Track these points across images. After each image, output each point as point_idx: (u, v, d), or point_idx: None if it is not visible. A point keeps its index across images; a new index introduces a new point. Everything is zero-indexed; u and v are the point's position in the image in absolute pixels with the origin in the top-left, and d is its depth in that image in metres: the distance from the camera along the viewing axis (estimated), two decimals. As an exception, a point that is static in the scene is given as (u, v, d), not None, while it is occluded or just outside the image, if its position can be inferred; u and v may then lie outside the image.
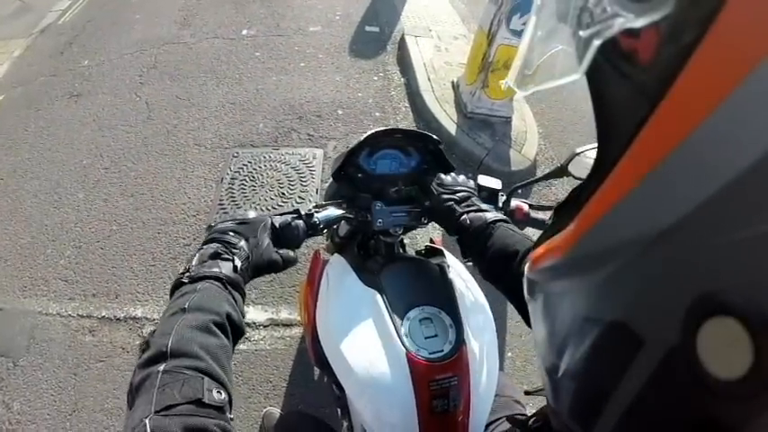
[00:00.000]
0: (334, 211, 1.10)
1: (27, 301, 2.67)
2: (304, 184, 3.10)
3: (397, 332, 0.92)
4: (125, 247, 2.87)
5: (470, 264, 1.10)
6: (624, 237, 0.35)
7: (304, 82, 4.15)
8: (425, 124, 3.81)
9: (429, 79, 4.16)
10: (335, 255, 1.25)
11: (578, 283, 0.41)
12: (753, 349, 0.25)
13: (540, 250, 0.49)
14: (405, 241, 1.37)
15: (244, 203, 2.99)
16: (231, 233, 0.85)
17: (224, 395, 0.60)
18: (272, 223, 0.94)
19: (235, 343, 0.72)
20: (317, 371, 2.23)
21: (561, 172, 1.08)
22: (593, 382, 0.41)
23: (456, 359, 0.91)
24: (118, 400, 2.25)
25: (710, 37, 0.26)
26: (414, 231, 1.43)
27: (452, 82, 4.15)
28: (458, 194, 1.09)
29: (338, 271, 1.14)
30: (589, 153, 1.04)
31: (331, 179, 1.21)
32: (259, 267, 0.88)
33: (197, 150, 3.44)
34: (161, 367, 0.59)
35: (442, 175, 1.16)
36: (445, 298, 1.01)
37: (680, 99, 0.29)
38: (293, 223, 0.98)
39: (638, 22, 0.30)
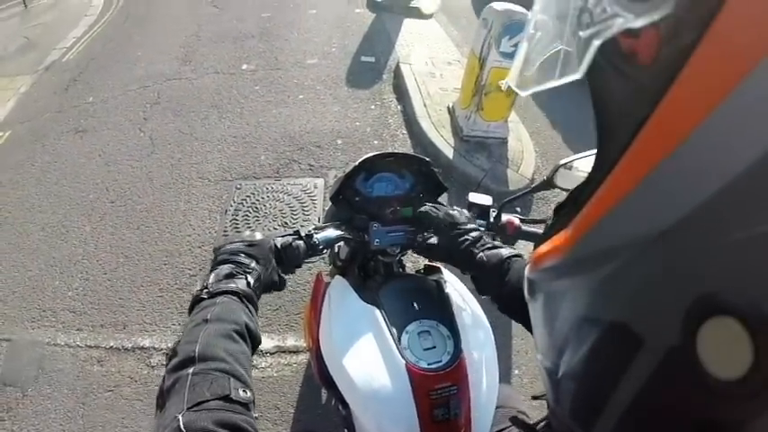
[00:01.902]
0: (332, 232, 1.14)
1: (36, 332, 2.72)
2: (306, 213, 3.19)
3: (396, 345, 0.97)
4: (132, 279, 2.94)
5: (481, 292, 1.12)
6: (624, 237, 0.35)
7: (303, 113, 4.27)
8: (423, 149, 3.91)
9: (425, 105, 4.29)
10: (337, 276, 1.29)
11: (578, 283, 0.42)
12: (752, 349, 0.25)
13: (540, 251, 0.50)
14: (403, 261, 1.42)
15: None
16: (242, 255, 0.91)
17: (249, 394, 0.65)
18: (274, 244, 0.99)
19: (253, 351, 0.78)
20: (324, 394, 2.28)
21: (547, 184, 1.10)
22: (593, 383, 0.42)
23: (454, 369, 0.94)
24: (126, 429, 2.28)
25: (710, 37, 0.27)
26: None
27: (448, 107, 4.27)
28: (471, 234, 1.09)
29: (339, 291, 1.19)
30: (575, 164, 1.06)
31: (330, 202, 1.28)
32: (267, 286, 0.94)
33: (201, 183, 3.54)
34: (190, 370, 0.63)
35: (453, 212, 1.14)
36: (442, 311, 1.06)
37: (679, 99, 0.29)
38: (294, 244, 1.01)
39: (638, 22, 0.31)
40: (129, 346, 2.60)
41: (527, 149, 3.96)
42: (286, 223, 3.11)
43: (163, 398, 0.63)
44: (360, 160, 1.18)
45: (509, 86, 0.51)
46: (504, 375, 2.45)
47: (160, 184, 3.58)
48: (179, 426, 0.54)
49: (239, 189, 3.43)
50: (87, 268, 3.03)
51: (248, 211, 3.23)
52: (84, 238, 3.24)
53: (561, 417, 0.48)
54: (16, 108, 4.93)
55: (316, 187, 3.39)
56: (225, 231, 3.10)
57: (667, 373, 0.32)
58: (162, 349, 2.57)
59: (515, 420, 0.69)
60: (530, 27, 0.48)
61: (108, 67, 5.38)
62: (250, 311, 0.82)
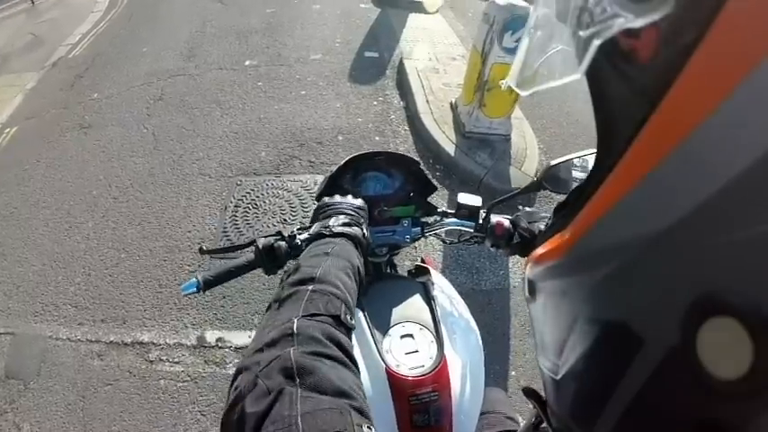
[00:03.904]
0: None
1: (38, 326, 2.77)
2: (306, 210, 3.19)
3: (377, 348, 0.97)
4: (133, 275, 2.97)
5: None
6: (624, 237, 0.35)
7: (305, 109, 4.28)
8: (424, 146, 3.90)
9: (427, 101, 4.26)
10: None
11: (578, 283, 0.42)
12: (752, 349, 0.25)
13: (540, 251, 0.50)
14: (394, 261, 1.42)
15: (247, 231, 3.09)
16: (354, 212, 0.97)
17: (353, 322, 0.69)
18: (257, 245, 0.99)
19: (359, 290, 0.82)
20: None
21: (537, 185, 1.08)
22: (593, 383, 0.42)
23: (436, 374, 0.93)
24: (125, 422, 2.32)
25: (710, 37, 0.26)
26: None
27: (451, 103, 4.24)
28: (546, 222, 1.06)
29: None
30: (565, 165, 1.04)
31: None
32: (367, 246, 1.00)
33: (202, 179, 3.56)
34: (310, 287, 0.68)
35: (527, 209, 1.12)
36: (427, 315, 1.05)
37: (680, 99, 0.29)
38: (276, 245, 0.99)
39: (638, 22, 0.30)
40: (129, 340, 2.64)
41: (531, 146, 3.91)
42: (285, 220, 3.12)
43: (279, 303, 0.68)
44: (346, 159, 1.17)
45: (509, 86, 0.51)
46: (501, 377, 2.46)
47: (162, 180, 3.61)
48: (292, 327, 0.59)
49: (239, 185, 3.44)
50: (89, 263, 3.08)
51: (248, 207, 3.25)
52: (87, 233, 3.28)
53: (561, 417, 0.49)
54: (23, 105, 4.99)
55: (316, 184, 3.39)
56: (224, 228, 3.12)
57: (667, 373, 0.32)
58: (160, 344, 2.60)
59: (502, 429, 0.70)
60: (529, 27, 0.48)
61: (113, 63, 5.42)
62: (362, 256, 0.87)
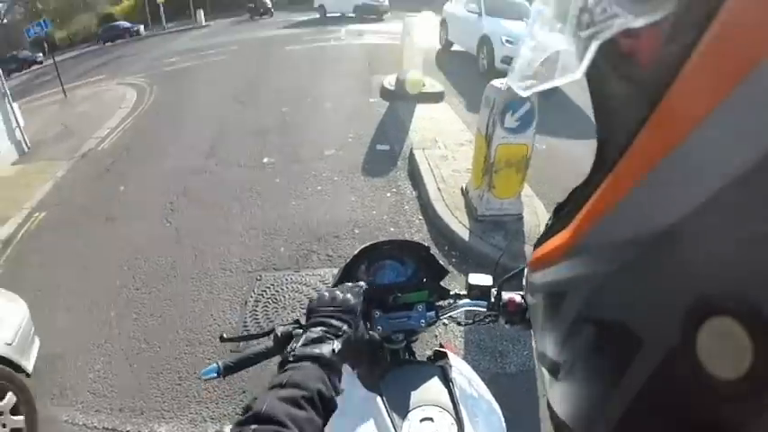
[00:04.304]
0: None
1: (55, 410, 2.77)
2: (324, 304, 3.29)
3: None
4: (152, 365, 3.00)
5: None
6: (624, 237, 0.35)
7: (321, 204, 4.50)
8: (439, 233, 4.02)
9: (439, 189, 4.44)
10: (343, 365, 1.34)
11: (578, 283, 0.42)
12: (752, 349, 0.25)
13: (539, 251, 0.50)
14: (413, 348, 1.43)
15: (267, 325, 3.16)
16: (334, 320, 0.93)
17: None
18: (276, 333, 1.01)
19: (326, 418, 0.80)
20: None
21: None
22: (592, 383, 0.42)
23: None
24: None
25: (710, 37, 0.26)
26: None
27: (462, 188, 4.39)
28: None
29: (343, 380, 1.21)
30: None
31: None
32: (359, 350, 0.98)
33: (222, 274, 3.69)
34: (252, 427, 0.67)
35: None
36: (446, 398, 1.06)
37: (680, 99, 0.29)
38: (294, 332, 1.00)
39: (638, 22, 0.30)
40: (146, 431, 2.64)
41: (543, 223, 3.88)
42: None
43: None
44: (358, 249, 1.19)
45: (509, 87, 0.55)
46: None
47: (183, 273, 3.75)
48: None
49: (259, 280, 3.57)
50: (109, 351, 3.12)
51: (268, 302, 3.36)
52: (109, 321, 3.36)
53: (561, 417, 0.49)
54: (52, 191, 5.27)
55: (334, 277, 3.49)
56: (245, 322, 3.21)
57: (667, 374, 0.32)
58: (178, 439, 2.60)
59: None
60: (529, 27, 0.48)
61: (140, 158, 5.78)
62: (329, 378, 0.85)
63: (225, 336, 1.09)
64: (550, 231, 0.48)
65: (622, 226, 0.35)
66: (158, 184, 5.07)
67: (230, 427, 0.74)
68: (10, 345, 2.64)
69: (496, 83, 3.61)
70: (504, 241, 3.72)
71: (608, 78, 0.37)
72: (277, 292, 3.44)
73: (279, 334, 1.00)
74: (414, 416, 1.00)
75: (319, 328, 0.89)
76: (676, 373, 0.31)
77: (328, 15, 21.23)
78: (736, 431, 0.28)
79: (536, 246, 0.53)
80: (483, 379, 1.23)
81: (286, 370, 0.80)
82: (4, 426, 2.51)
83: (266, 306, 3.32)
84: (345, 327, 0.92)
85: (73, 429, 2.67)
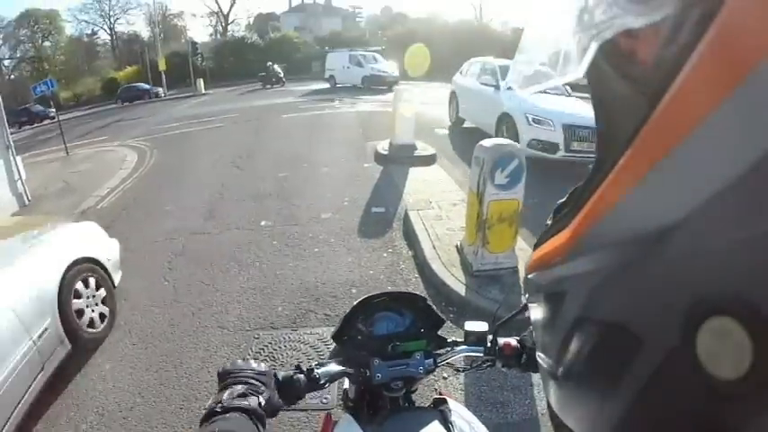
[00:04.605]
0: (334, 367, 1.14)
1: None
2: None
3: None
4: (147, 420, 2.95)
5: None
6: (624, 237, 0.35)
7: (319, 265, 4.58)
8: (436, 291, 4.08)
9: (434, 248, 4.56)
10: (345, 414, 1.32)
11: (578, 283, 0.42)
12: (752, 349, 0.25)
13: (539, 251, 0.50)
14: (412, 397, 1.45)
15: (265, 384, 3.17)
16: (253, 380, 0.97)
17: None
18: (276, 376, 1.04)
19: None
20: None
21: None
22: (593, 383, 0.42)
23: None
24: None
25: (710, 37, 0.26)
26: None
27: (456, 246, 4.51)
28: None
29: (344, 427, 1.21)
30: None
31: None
32: (272, 413, 1.00)
33: (220, 332, 3.71)
34: None
35: None
36: None
37: (680, 99, 0.29)
38: (294, 377, 1.03)
39: (638, 23, 0.30)
40: (141, 491, 2.58)
41: None
42: (302, 373, 3.23)
43: None
44: (357, 301, 1.22)
45: (509, 86, 0.64)
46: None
47: (181, 330, 3.76)
48: None
49: (257, 339, 3.59)
50: (103, 404, 3.07)
51: (266, 360, 3.36)
52: (104, 375, 3.33)
53: (561, 416, 0.49)
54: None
55: (331, 336, 3.55)
56: (242, 381, 3.21)
57: (667, 374, 0.32)
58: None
59: None
60: (529, 27, 0.48)
61: (139, 217, 5.90)
62: (258, 430, 0.85)
63: None
64: (550, 231, 0.49)
65: (622, 226, 0.36)
66: (157, 244, 5.15)
67: None
68: (109, 261, 4.00)
69: (485, 142, 3.80)
70: (500, 294, 3.79)
71: (608, 78, 0.37)
72: (275, 350, 3.46)
73: (279, 378, 1.03)
74: None
75: (240, 386, 0.91)
76: (676, 374, 0.31)
77: (338, 86, 22.36)
78: (736, 431, 0.28)
79: (536, 246, 0.53)
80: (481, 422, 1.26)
81: (214, 421, 0.81)
82: (96, 305, 3.72)
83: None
84: (263, 387, 0.95)
85: None
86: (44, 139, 15.54)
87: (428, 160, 7.61)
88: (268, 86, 26.44)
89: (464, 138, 9.25)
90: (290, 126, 12.23)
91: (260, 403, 0.88)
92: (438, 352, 1.29)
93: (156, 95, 28.71)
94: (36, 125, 16.86)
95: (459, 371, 1.46)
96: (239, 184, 6.90)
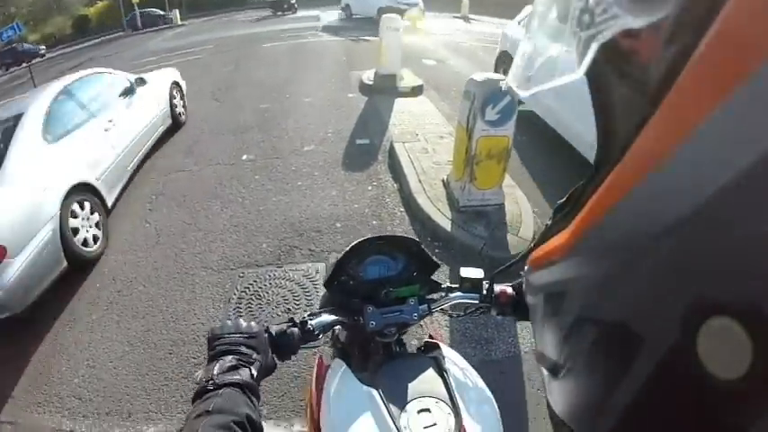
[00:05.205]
0: (327, 318, 1.14)
1: (41, 417, 2.71)
2: (309, 298, 3.28)
3: (396, 425, 0.97)
4: (137, 367, 2.96)
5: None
6: (624, 237, 0.35)
7: (302, 200, 4.47)
8: (421, 225, 4.03)
9: (420, 181, 4.46)
10: (336, 359, 1.31)
11: (578, 283, 0.42)
12: (752, 349, 0.25)
13: (540, 251, 0.50)
14: (404, 340, 1.43)
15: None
16: (243, 347, 0.94)
17: None
18: (270, 331, 1.02)
19: None
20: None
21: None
22: (593, 383, 0.42)
23: None
24: None
25: (710, 37, 0.26)
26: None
27: (443, 180, 4.42)
28: None
29: (338, 374, 1.18)
30: None
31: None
32: (265, 374, 0.98)
33: (204, 273, 3.65)
34: None
35: None
36: (441, 388, 1.07)
37: (680, 99, 0.29)
38: (288, 331, 1.03)
39: (638, 23, 0.30)
40: (134, 434, 2.59)
41: (525, 212, 4.04)
42: (289, 309, 3.20)
43: None
44: (349, 246, 1.19)
45: (509, 88, 0.51)
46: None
47: (165, 273, 3.70)
48: None
49: (242, 277, 3.54)
50: (93, 355, 3.07)
51: (251, 298, 3.33)
52: (91, 325, 3.31)
53: (561, 416, 0.49)
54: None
55: (317, 272, 3.50)
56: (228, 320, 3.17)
57: (667, 373, 0.32)
58: (167, 439, 2.57)
59: None
60: (529, 28, 0.48)
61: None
62: (252, 402, 0.84)
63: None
64: (550, 231, 0.49)
65: (623, 226, 0.36)
66: (136, 185, 4.98)
67: None
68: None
69: (476, 76, 3.63)
70: (486, 230, 3.76)
71: (608, 79, 0.37)
72: (260, 288, 3.42)
73: (273, 333, 1.01)
74: (411, 408, 1.01)
75: (230, 357, 0.89)
76: (677, 373, 0.31)
77: (354, 16, 20.25)
78: (737, 431, 0.28)
79: (536, 246, 0.53)
80: (471, 365, 1.23)
81: (207, 398, 0.80)
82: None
83: (250, 303, 3.29)
84: (255, 354, 0.93)
85: None
86: (14, 86, 14.83)
87: (415, 91, 7.30)
88: (279, 13, 25.07)
89: (452, 71, 8.92)
90: (272, 55, 11.67)
91: (252, 374, 0.87)
92: (432, 297, 1.27)
93: (171, 20, 27.52)
94: (25, 65, 15.76)
95: (451, 316, 1.45)
96: (219, 118, 6.63)
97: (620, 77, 0.37)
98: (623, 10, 0.31)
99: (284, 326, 1.04)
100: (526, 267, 0.56)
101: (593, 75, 0.38)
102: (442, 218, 3.97)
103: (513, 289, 1.19)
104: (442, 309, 1.28)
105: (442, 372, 1.11)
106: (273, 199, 4.52)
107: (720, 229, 0.27)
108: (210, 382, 0.83)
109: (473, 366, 1.23)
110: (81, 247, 3.76)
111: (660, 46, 0.30)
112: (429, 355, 1.20)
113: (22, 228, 3.24)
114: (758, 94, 0.24)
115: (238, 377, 0.85)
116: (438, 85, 7.57)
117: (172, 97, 5.99)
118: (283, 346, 1.03)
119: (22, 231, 3.24)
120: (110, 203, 4.34)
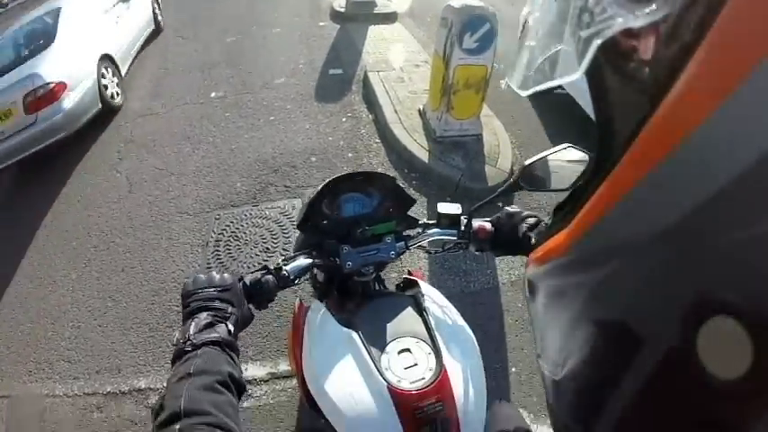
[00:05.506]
0: (302, 261, 1.12)
1: (34, 386, 2.74)
2: (287, 235, 3.22)
3: (376, 367, 0.96)
4: (122, 322, 2.96)
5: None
6: (624, 236, 0.35)
7: (275, 135, 4.32)
8: (398, 156, 3.95)
9: (396, 111, 4.31)
10: (315, 301, 1.29)
11: (578, 282, 0.42)
12: (752, 349, 0.25)
13: (539, 251, 0.49)
14: (382, 277, 1.42)
15: (231, 264, 3.11)
16: (217, 300, 0.91)
17: None
18: (244, 282, 1.00)
19: (239, 398, 0.80)
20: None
21: (515, 186, 1.09)
22: (593, 382, 0.42)
23: (438, 384, 0.93)
24: (131, 473, 2.32)
25: (711, 37, 0.26)
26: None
27: (419, 110, 4.29)
28: (528, 220, 1.10)
29: (317, 316, 1.16)
30: (541, 163, 1.05)
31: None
32: (242, 326, 0.95)
33: (180, 218, 3.57)
34: (177, 426, 0.63)
35: (508, 209, 1.17)
36: (421, 327, 1.06)
37: (680, 99, 0.29)
38: (263, 279, 1.01)
39: (638, 22, 0.30)
40: (126, 389, 2.63)
41: (503, 143, 3.97)
42: (267, 248, 3.15)
43: None
44: (322, 184, 1.15)
45: (509, 86, 0.52)
46: (502, 375, 2.49)
47: (140, 223, 3.61)
48: None
49: (218, 219, 3.46)
50: (77, 316, 3.06)
51: (229, 240, 3.27)
52: (72, 285, 3.26)
53: (561, 416, 0.49)
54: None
55: (294, 208, 3.43)
56: (208, 263, 3.13)
57: (667, 373, 0.32)
58: (158, 389, 2.59)
59: None
60: (526, 27, 0.48)
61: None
62: (232, 359, 0.84)
63: None
64: (550, 231, 0.48)
65: (623, 225, 0.35)
66: (102, 134, 4.78)
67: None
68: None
69: (454, 3, 3.41)
70: (463, 161, 3.70)
71: (608, 78, 0.37)
72: (237, 229, 3.36)
73: (247, 282, 1.00)
74: (391, 348, 1.01)
75: (205, 314, 0.87)
76: (677, 373, 0.31)
77: None
78: (737, 431, 0.28)
79: (535, 245, 0.52)
80: (449, 298, 1.21)
81: (187, 360, 0.78)
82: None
83: (228, 245, 3.24)
84: (230, 308, 0.91)
85: (55, 401, 2.67)
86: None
87: (390, 18, 6.88)
88: None
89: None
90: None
91: (229, 330, 0.86)
92: (408, 233, 1.25)
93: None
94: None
95: (430, 253, 1.42)
96: (185, 56, 6.25)
97: (619, 77, 0.36)
98: (623, 9, 0.31)
99: (258, 274, 1.02)
100: (526, 267, 0.55)
101: (592, 74, 0.37)
102: (419, 148, 3.88)
103: (492, 224, 1.18)
104: (419, 245, 1.26)
105: (421, 311, 1.10)
106: (246, 136, 4.36)
107: (721, 228, 0.27)
108: (188, 342, 0.81)
109: (452, 298, 1.21)
110: (109, 98, 4.96)
111: (660, 45, 0.30)
112: (408, 294, 1.20)
113: (75, 74, 4.56)
114: (759, 94, 0.24)
115: (216, 335, 0.83)
116: (413, 12, 7.15)
117: (154, 8, 7.17)
118: (259, 295, 1.01)
119: (76, 76, 4.55)
120: (123, 73, 5.56)
